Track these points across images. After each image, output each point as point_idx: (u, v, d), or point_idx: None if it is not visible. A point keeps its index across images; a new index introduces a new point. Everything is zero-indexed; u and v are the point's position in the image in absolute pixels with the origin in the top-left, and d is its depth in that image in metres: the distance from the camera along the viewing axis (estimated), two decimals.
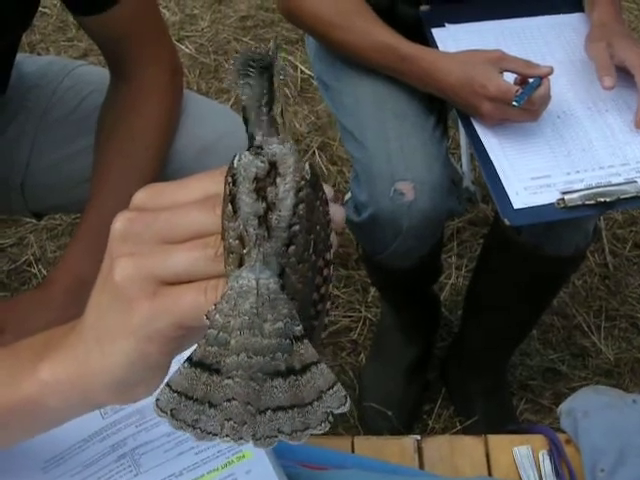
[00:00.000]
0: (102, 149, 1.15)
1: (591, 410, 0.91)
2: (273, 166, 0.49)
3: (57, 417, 0.61)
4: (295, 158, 0.50)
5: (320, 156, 2.26)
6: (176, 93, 1.23)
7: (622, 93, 1.37)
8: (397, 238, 1.37)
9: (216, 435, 0.48)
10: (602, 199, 1.24)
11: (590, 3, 1.46)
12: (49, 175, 1.28)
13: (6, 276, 2.04)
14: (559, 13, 1.51)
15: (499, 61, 1.31)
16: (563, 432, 0.92)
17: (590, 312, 2.01)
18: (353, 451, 0.89)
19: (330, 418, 0.48)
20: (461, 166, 2.06)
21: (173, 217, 0.52)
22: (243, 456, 0.76)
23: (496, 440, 0.91)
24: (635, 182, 1.27)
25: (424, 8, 1.44)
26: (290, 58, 2.55)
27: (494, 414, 1.75)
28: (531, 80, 1.28)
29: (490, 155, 1.29)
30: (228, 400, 0.47)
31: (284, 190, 0.49)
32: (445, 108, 1.51)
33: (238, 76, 0.51)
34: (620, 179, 1.28)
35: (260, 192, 0.49)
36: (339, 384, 0.48)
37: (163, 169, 1.17)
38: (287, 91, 2.46)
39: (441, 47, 1.40)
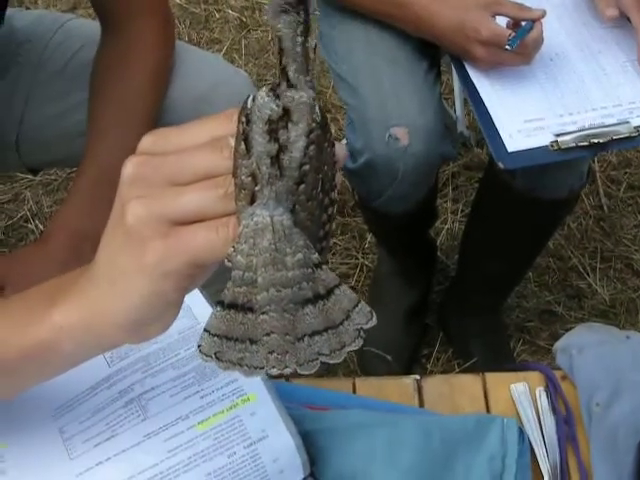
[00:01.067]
0: (95, 101, 1.15)
1: (586, 346, 0.92)
2: (287, 112, 0.51)
3: (70, 360, 0.62)
4: (309, 109, 0.51)
5: None
6: (168, 43, 1.22)
7: (615, 35, 1.37)
8: (393, 183, 1.38)
9: (262, 369, 0.50)
10: (595, 140, 1.24)
11: None
12: (43, 131, 1.28)
13: (3, 232, 2.04)
14: None
15: (491, 5, 1.30)
16: (559, 370, 0.93)
17: (585, 254, 2.02)
18: (354, 393, 0.90)
19: (362, 334, 0.50)
20: (455, 111, 2.05)
21: (181, 159, 0.53)
22: (248, 399, 0.77)
23: (494, 378, 0.92)
24: (628, 123, 1.27)
25: None
26: None
27: (492, 355, 1.78)
28: (524, 23, 1.28)
29: (483, 99, 1.29)
30: (267, 334, 0.50)
31: (296, 135, 0.50)
32: (438, 53, 1.50)
33: (276, 10, 0.51)
34: (613, 120, 1.27)
35: (272, 134, 0.50)
36: (362, 302, 0.51)
37: (158, 120, 1.17)
38: None
39: None
